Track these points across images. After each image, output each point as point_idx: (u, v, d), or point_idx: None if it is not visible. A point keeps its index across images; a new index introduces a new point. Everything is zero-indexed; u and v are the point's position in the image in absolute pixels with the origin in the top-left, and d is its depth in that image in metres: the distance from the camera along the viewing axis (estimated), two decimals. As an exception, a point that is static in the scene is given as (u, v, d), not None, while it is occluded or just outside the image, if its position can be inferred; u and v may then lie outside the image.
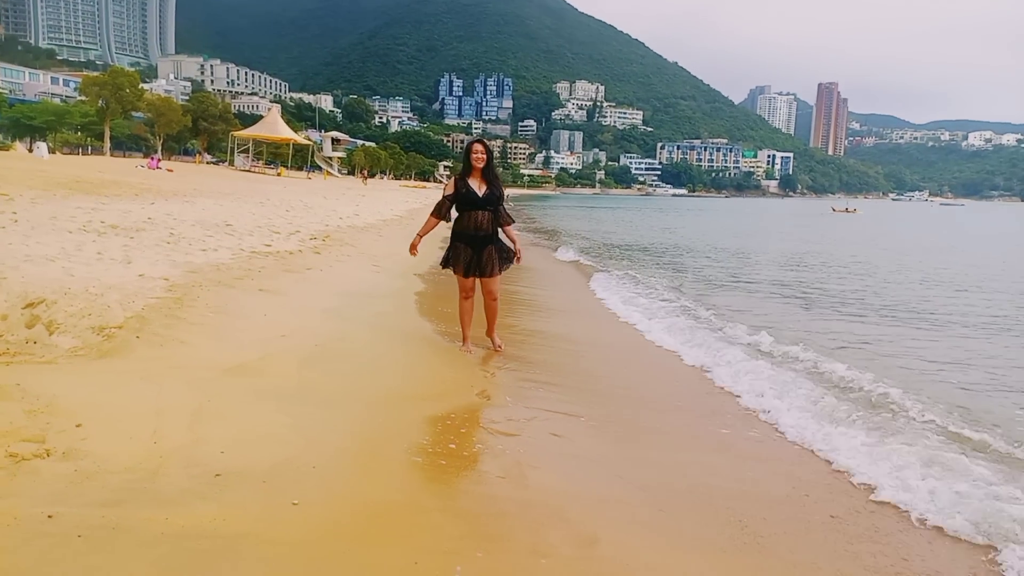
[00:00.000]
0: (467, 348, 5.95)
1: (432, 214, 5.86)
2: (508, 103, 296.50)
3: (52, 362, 4.27)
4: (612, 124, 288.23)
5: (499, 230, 5.80)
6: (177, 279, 7.00)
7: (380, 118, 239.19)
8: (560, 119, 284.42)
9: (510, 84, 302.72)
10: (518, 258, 5.82)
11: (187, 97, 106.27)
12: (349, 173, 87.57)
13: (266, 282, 7.67)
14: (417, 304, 8.24)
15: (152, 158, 46.54)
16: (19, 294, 5.20)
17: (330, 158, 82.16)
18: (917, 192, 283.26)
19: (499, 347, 6.11)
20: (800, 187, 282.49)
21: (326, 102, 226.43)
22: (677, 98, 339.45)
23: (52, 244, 7.84)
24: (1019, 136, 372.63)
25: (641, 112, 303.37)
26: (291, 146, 67.42)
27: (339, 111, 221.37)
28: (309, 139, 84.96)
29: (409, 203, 34.94)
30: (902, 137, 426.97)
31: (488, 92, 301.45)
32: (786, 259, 19.80)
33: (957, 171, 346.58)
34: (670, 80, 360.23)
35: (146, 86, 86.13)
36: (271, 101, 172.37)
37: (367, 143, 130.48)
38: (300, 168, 73.01)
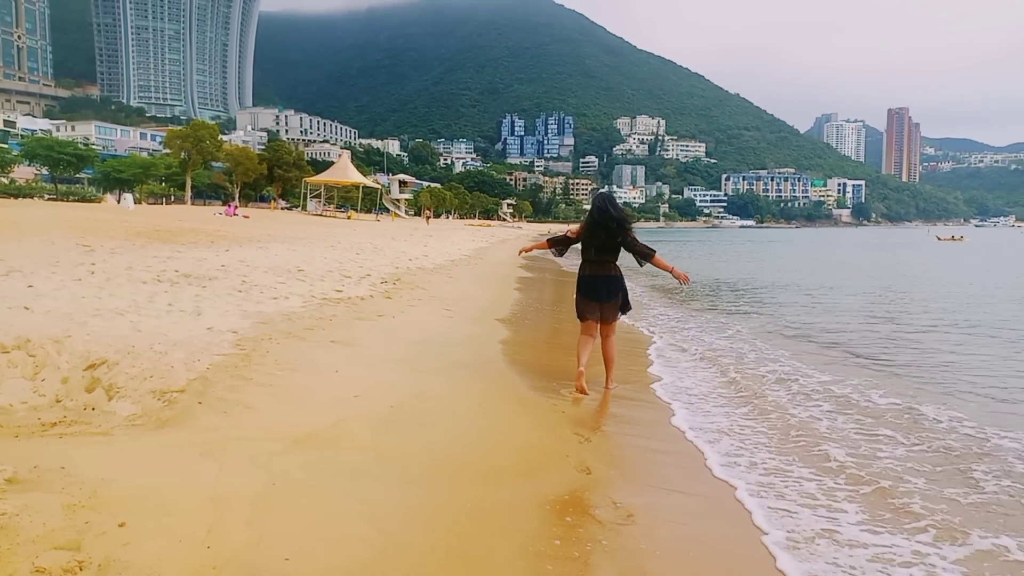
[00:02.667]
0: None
1: (547, 239, 6.62)
2: (569, 140, 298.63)
3: (108, 433, 3.86)
4: (674, 157, 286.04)
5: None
6: (246, 331, 6.65)
7: (445, 160, 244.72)
8: (621, 154, 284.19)
9: (571, 122, 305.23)
10: (682, 277, 6.10)
11: (263, 146, 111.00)
12: (416, 214, 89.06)
13: (338, 332, 7.25)
14: (494, 352, 7.67)
15: (229, 205, 48.23)
16: (82, 354, 4.89)
17: (397, 200, 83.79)
18: (1002, 217, 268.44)
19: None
20: (874, 215, 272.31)
21: (393, 147, 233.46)
22: (740, 129, 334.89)
23: (125, 296, 7.67)
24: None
25: (704, 144, 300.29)
26: (360, 189, 68.94)
27: (405, 155, 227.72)
28: (377, 182, 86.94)
29: (476, 242, 34.82)
30: (981, 160, 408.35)
31: (549, 130, 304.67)
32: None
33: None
34: (732, 111, 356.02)
35: (225, 137, 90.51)
36: (341, 147, 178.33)
37: (432, 184, 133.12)
38: (369, 211, 74.60)
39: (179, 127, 72.78)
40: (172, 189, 70.98)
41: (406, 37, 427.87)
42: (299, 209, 66.48)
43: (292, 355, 5.91)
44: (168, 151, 62.94)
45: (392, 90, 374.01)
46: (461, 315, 9.95)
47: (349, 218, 58.44)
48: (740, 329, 10.39)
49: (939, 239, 72.38)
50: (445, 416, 5.00)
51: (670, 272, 6.01)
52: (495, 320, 9.98)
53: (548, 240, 6.48)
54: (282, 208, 68.11)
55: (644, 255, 5.96)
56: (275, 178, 71.20)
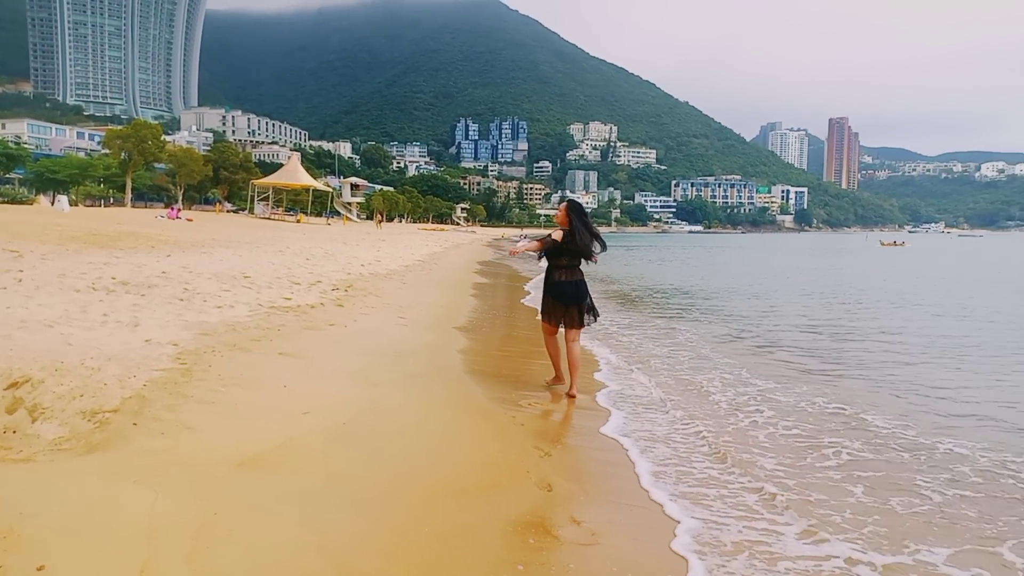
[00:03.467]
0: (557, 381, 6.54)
1: (539, 239, 6.54)
2: (523, 145, 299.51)
3: (30, 459, 3.54)
4: (626, 163, 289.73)
5: (545, 280, 6.45)
6: (188, 344, 6.31)
7: (398, 163, 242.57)
8: (575, 160, 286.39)
9: (525, 127, 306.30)
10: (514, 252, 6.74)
11: (208, 148, 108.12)
12: (368, 218, 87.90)
13: (286, 343, 6.96)
14: (451, 361, 7.48)
15: (172, 208, 46.77)
16: (2, 371, 4.52)
17: (349, 203, 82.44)
18: (933, 224, 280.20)
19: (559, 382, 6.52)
20: (816, 221, 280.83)
21: (345, 149, 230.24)
22: (689, 136, 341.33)
23: (55, 306, 7.22)
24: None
25: (655, 151, 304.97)
26: (311, 192, 67.67)
27: (357, 157, 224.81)
28: (328, 185, 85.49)
29: (430, 247, 34.47)
30: (915, 169, 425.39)
31: (503, 135, 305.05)
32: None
33: (972, 202, 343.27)
34: (682, 119, 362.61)
35: (169, 138, 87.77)
36: (291, 149, 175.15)
37: (385, 188, 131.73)
38: (320, 214, 73.28)
39: (119, 127, 70.28)
40: (111, 191, 68.43)
41: (358, 39, 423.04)
42: (246, 212, 64.88)
43: (237, 369, 5.61)
44: (107, 151, 60.62)
45: (344, 92, 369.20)
46: (416, 323, 9.72)
47: (299, 222, 57.25)
48: (689, 335, 10.42)
49: (882, 244, 75.20)
50: (401, 432, 4.79)
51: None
52: (452, 328, 9.78)
53: (541, 240, 6.38)
54: (228, 211, 66.43)
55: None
56: (221, 180, 69.48)
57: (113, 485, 3.28)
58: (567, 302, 6.20)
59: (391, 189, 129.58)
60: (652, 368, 7.76)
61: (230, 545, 2.84)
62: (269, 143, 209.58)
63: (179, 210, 46.10)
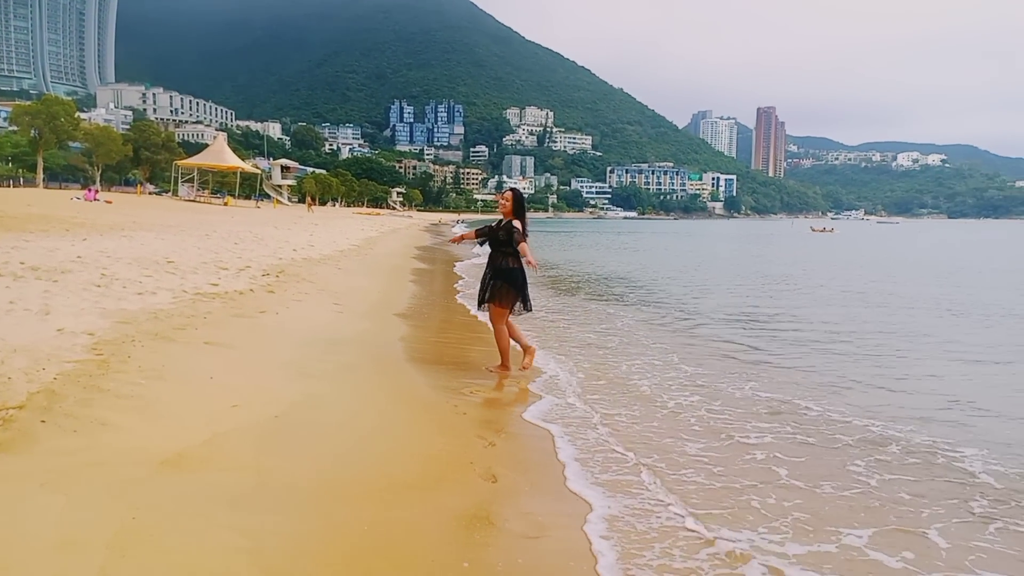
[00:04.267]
0: (525, 365, 6.49)
1: (476, 230, 6.68)
2: (459, 129, 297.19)
3: (-80, 465, 3.19)
4: (562, 149, 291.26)
5: (513, 266, 6.31)
6: (105, 333, 5.91)
7: (330, 145, 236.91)
8: (511, 145, 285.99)
9: (461, 111, 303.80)
10: (532, 264, 6.09)
11: (128, 126, 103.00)
12: (300, 201, 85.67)
13: (213, 332, 6.61)
14: (390, 350, 7.27)
15: (89, 189, 44.35)
16: None
17: (279, 186, 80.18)
18: (853, 211, 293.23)
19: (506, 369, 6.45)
20: (744, 208, 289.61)
21: (274, 130, 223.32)
22: (624, 123, 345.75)
23: (-47, 293, 6.64)
24: (943, 156, 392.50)
25: (590, 137, 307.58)
26: (238, 175, 65.34)
27: (288, 138, 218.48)
28: (257, 167, 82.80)
29: (365, 231, 33.77)
30: (837, 158, 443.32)
31: (439, 118, 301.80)
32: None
33: (889, 190, 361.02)
34: (617, 106, 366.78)
35: (84, 115, 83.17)
36: (217, 129, 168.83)
37: (318, 170, 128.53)
38: (248, 197, 70.90)
39: (28, 102, 66.00)
40: (21, 171, 64.29)
41: (287, 17, 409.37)
42: (169, 194, 62.22)
43: (159, 360, 5.27)
44: (15, 128, 56.89)
45: (272, 71, 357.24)
46: (352, 310, 9.44)
47: (226, 204, 55.30)
48: (625, 320, 10.50)
49: (813, 230, 78.38)
50: (337, 425, 4.59)
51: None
52: (392, 315, 9.55)
53: (476, 231, 6.65)
54: (150, 193, 63.57)
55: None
56: (142, 161, 66.35)
57: (17, 491, 2.99)
58: (520, 289, 6.34)
59: (324, 172, 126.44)
60: (586, 354, 7.74)
61: (150, 553, 2.61)
62: (194, 123, 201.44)
63: (97, 192, 43.72)
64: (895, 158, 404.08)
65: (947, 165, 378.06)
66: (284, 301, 9.16)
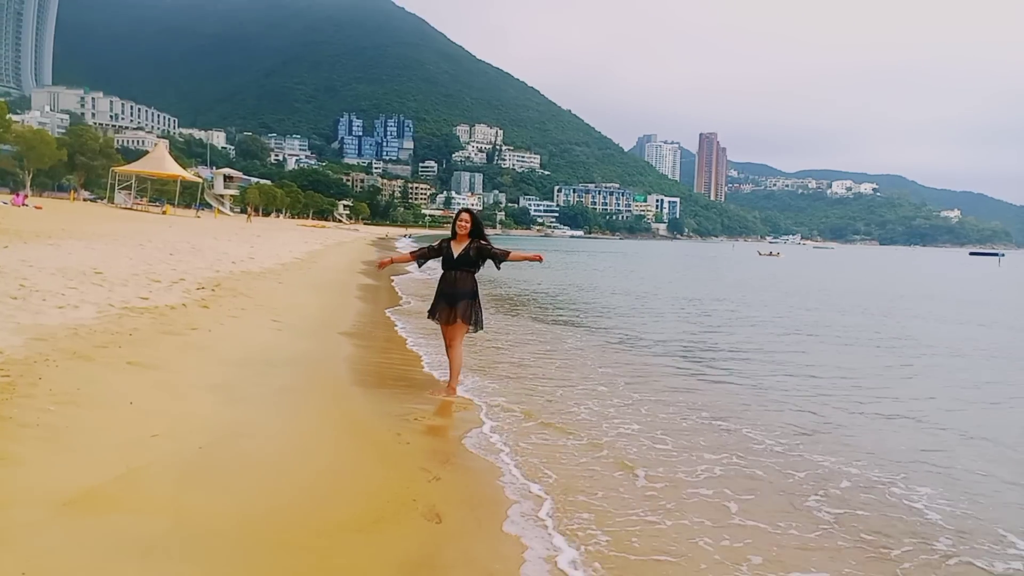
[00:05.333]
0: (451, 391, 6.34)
1: (411, 252, 6.59)
2: (409, 144, 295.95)
3: None
4: (511, 167, 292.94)
5: (477, 288, 6.37)
6: (16, 351, 5.42)
7: (276, 156, 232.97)
8: (460, 161, 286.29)
9: (410, 126, 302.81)
10: (537, 257, 6.42)
11: (64, 130, 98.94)
12: (242, 212, 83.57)
13: (138, 350, 6.15)
14: (333, 372, 6.92)
15: (18, 194, 42.21)
16: None
17: (222, 196, 77.92)
18: (791, 236, 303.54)
19: (453, 391, 6.34)
20: (687, 230, 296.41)
21: (218, 138, 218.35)
22: (572, 144, 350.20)
23: None
24: (875, 185, 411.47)
25: (539, 156, 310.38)
26: (179, 183, 63.23)
27: (232, 148, 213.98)
28: (199, 176, 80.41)
29: (309, 244, 32.98)
30: (775, 185, 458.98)
31: (388, 133, 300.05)
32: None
33: (824, 217, 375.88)
34: (565, 126, 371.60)
35: (17, 117, 79.39)
36: (159, 136, 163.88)
37: (262, 181, 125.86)
38: (189, 206, 68.70)
39: (-47, 101, 62.53)
40: (-58, 172, 60.82)
41: (235, 24, 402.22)
42: (105, 202, 59.75)
43: (74, 382, 4.83)
44: (-62, 128, 53.71)
45: (218, 79, 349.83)
46: (293, 328, 9.02)
47: (164, 213, 53.42)
48: (573, 342, 10.38)
49: (760, 254, 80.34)
50: (269, 457, 4.24)
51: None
52: (336, 333, 9.17)
53: (411, 252, 6.60)
54: (85, 200, 60.99)
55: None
56: (77, 166, 63.69)
57: None
58: (445, 299, 6.34)
59: (268, 182, 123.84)
60: (530, 378, 7.54)
61: (39, 619, 2.26)
62: (134, 128, 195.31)
63: (26, 196, 41.66)
64: (830, 186, 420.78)
65: (878, 194, 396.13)
66: (219, 317, 8.69)
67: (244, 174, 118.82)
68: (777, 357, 9.94)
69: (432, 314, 6.40)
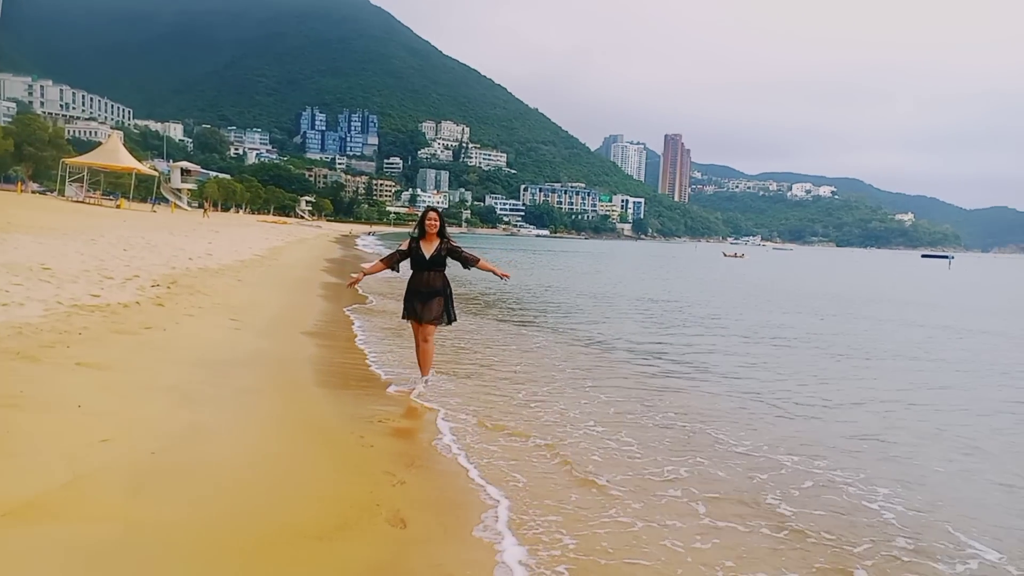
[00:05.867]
0: (424, 381, 6.51)
1: (382, 260, 6.60)
2: (373, 140, 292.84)
3: None
4: (477, 165, 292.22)
5: (448, 283, 6.51)
6: (-46, 351, 5.15)
7: (236, 149, 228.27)
8: (426, 158, 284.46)
9: (375, 121, 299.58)
10: (505, 276, 6.75)
11: (10, 119, 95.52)
12: (200, 207, 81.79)
13: (88, 350, 5.91)
14: (292, 372, 6.76)
15: (-40, 185, 40.51)
16: None
17: (179, 190, 76.06)
18: (751, 237, 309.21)
19: (426, 382, 6.54)
20: (651, 231, 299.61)
21: (175, 131, 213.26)
22: (538, 143, 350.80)
23: None
24: (833, 188, 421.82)
25: (505, 155, 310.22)
26: (134, 176, 61.50)
27: (190, 141, 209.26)
28: (155, 169, 78.36)
29: (270, 241, 32.38)
30: (737, 186, 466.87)
31: (353, 128, 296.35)
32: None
33: (783, 219, 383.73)
34: (532, 125, 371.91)
35: (-43, 104, 76.22)
36: (112, 127, 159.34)
37: (221, 175, 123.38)
38: (144, 200, 66.89)
39: None
40: None
41: (194, 14, 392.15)
42: (55, 194, 57.79)
43: (17, 384, 4.61)
44: None
45: (176, 70, 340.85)
46: (252, 327, 8.80)
47: (119, 207, 51.92)
48: (540, 341, 10.35)
49: (725, 255, 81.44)
50: (226, 462, 4.10)
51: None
52: (299, 333, 8.98)
53: (383, 260, 6.62)
54: (33, 192, 58.90)
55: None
56: (25, 157, 61.51)
57: None
58: (419, 298, 6.44)
59: (228, 177, 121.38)
60: (499, 377, 7.49)
61: (-27, 642, 2.12)
62: (86, 119, 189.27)
63: (-32, 187, 39.98)
64: (790, 188, 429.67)
65: (836, 197, 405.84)
66: (174, 315, 8.43)
67: (202, 168, 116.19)
68: (741, 359, 10.04)
69: (407, 315, 6.46)
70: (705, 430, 5.79)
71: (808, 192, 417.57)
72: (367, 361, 7.75)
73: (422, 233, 6.35)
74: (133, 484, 3.47)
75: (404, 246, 6.43)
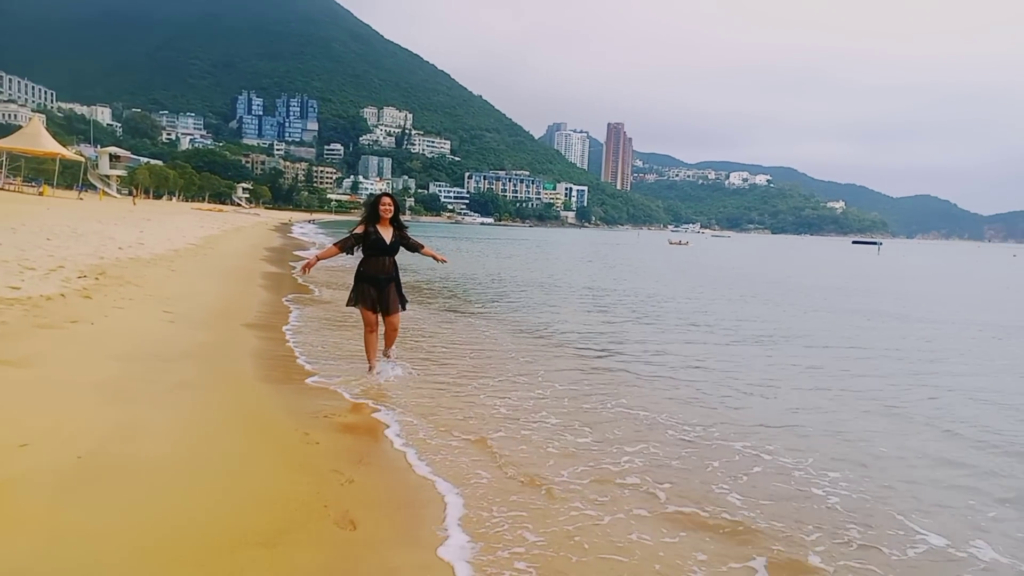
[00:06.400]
0: (374, 371, 6.46)
1: (336, 244, 6.33)
2: (313, 125, 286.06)
3: None
4: (421, 152, 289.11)
5: (397, 268, 6.49)
6: None
7: (168, 134, 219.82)
8: (368, 144, 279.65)
9: (315, 106, 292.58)
10: (444, 260, 6.76)
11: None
12: (131, 194, 78.44)
13: (7, 346, 5.51)
14: (231, 366, 6.46)
15: None
16: None
17: (108, 176, 72.80)
18: (691, 225, 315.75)
19: (391, 357, 6.70)
20: (594, 218, 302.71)
21: (104, 114, 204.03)
22: (482, 130, 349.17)
23: None
24: (768, 177, 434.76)
25: (448, 142, 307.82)
26: (58, 162, 58.47)
27: (119, 125, 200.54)
28: (81, 154, 74.67)
29: (206, 229, 31.24)
30: (677, 175, 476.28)
31: (291, 113, 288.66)
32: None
33: (722, 207, 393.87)
34: (475, 112, 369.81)
35: None
36: (34, 110, 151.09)
37: (153, 161, 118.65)
38: (70, 187, 63.72)
39: None
40: None
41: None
42: (-29, 180, 54.40)
43: (-75, 386, 4.23)
44: None
45: (104, 51, 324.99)
46: (188, 319, 8.40)
47: (42, 194, 49.35)
48: (489, 331, 10.24)
49: (671, 243, 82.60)
50: (162, 464, 3.85)
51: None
52: (240, 325, 8.62)
53: (336, 244, 6.35)
54: (-54, 177, 55.27)
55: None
56: (-64, 140, 57.61)
57: None
58: (372, 284, 6.41)
59: (160, 163, 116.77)
60: (450, 368, 7.35)
61: None
62: (4, 101, 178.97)
63: None
64: (728, 177, 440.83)
65: (771, 185, 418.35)
66: (103, 308, 7.98)
67: (133, 153, 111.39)
68: (692, 346, 10.13)
69: (358, 301, 6.31)
70: (656, 419, 5.78)
71: (745, 181, 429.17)
72: (295, 353, 7.44)
73: (377, 218, 6.22)
74: (57, 491, 3.22)
75: (359, 230, 6.23)
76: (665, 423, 5.66)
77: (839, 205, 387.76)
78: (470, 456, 4.57)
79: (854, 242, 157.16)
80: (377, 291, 6.26)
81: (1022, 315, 18.34)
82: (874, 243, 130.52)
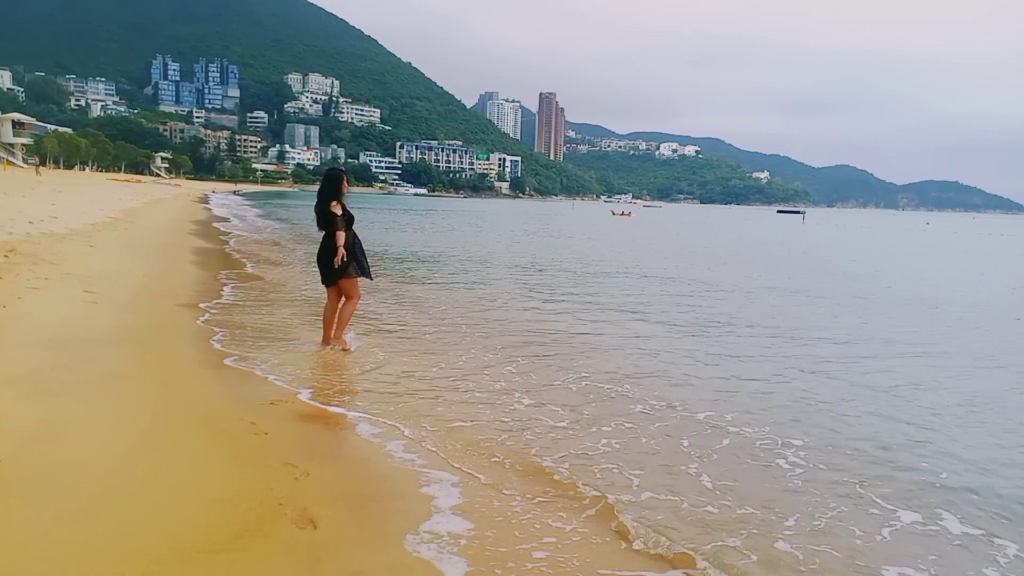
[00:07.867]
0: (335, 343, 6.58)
1: (340, 227, 6.44)
2: (235, 92, 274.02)
3: None
4: (350, 120, 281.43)
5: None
6: None
7: (77, 100, 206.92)
8: (294, 112, 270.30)
9: (236, 72, 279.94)
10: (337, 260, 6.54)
11: None
12: (40, 164, 73.48)
13: (-97, 337, 4.94)
14: (168, 351, 6.02)
15: None
16: None
17: (12, 145, 67.96)
18: (623, 195, 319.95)
19: (347, 347, 6.59)
20: (528, 189, 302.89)
21: (3, 78, 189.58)
22: (412, 98, 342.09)
23: None
24: (697, 148, 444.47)
25: (378, 110, 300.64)
26: (-48, 129, 54.10)
27: (21, 90, 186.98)
28: (-22, 121, 69.39)
29: (124, 201, 29.52)
30: (609, 146, 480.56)
31: (211, 79, 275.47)
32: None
33: (652, 177, 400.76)
34: (405, 80, 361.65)
35: None
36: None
37: (62, 129, 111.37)
38: (-33, 157, 59.17)
39: None
40: None
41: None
42: None
43: None
44: None
45: (2, 10, 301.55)
46: (113, 300, 7.82)
47: (-64, 165, 45.62)
48: (445, 309, 9.98)
49: (613, 213, 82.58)
50: (94, 465, 3.49)
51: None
52: (174, 305, 8.07)
53: (342, 229, 6.50)
54: None
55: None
56: None
57: None
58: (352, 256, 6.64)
59: (70, 131, 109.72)
60: (411, 347, 7.09)
61: None
62: None
63: None
64: (658, 147, 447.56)
65: (700, 156, 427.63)
66: (16, 290, 7.33)
67: (38, 120, 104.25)
68: (653, 316, 10.03)
69: (364, 272, 6.72)
70: (624, 393, 5.70)
71: (675, 151, 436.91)
72: (233, 334, 6.99)
73: (340, 194, 6.49)
74: (-27, 504, 2.84)
75: (338, 209, 6.43)
76: (630, 396, 5.59)
77: (764, 175, 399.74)
78: (437, 440, 4.34)
79: (779, 211, 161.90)
80: (356, 263, 6.64)
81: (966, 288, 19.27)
82: (798, 212, 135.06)
